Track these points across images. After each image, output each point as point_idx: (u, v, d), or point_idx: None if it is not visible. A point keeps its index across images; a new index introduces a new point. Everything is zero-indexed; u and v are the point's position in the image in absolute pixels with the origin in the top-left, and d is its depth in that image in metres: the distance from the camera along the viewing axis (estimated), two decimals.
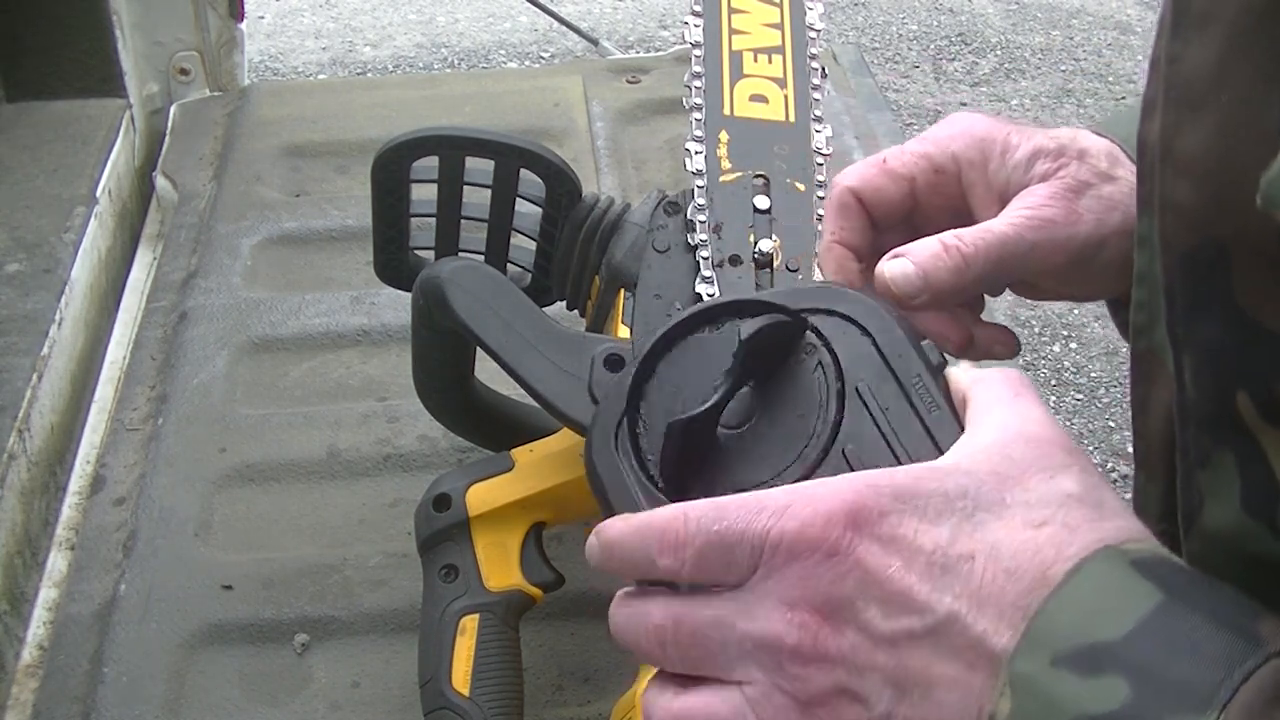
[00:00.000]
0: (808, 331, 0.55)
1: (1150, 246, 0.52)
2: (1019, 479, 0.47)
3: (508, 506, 0.84)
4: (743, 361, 0.53)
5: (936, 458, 0.49)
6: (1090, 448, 2.40)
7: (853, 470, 0.51)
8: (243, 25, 1.59)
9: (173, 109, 1.54)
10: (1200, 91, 0.46)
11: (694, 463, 0.54)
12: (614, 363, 0.79)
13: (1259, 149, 0.41)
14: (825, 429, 0.53)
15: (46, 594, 1.03)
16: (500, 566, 0.83)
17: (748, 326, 0.54)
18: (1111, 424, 2.43)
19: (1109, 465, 2.34)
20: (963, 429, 0.50)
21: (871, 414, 0.52)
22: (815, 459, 0.52)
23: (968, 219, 0.67)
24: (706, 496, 0.52)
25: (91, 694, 0.91)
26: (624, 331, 0.84)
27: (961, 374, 0.53)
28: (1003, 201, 0.65)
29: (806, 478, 0.52)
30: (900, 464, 0.51)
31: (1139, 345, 0.54)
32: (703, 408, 0.53)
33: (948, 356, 0.55)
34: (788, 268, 0.81)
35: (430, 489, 0.85)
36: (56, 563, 1.06)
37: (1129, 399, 0.58)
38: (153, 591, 0.97)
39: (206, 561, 1.00)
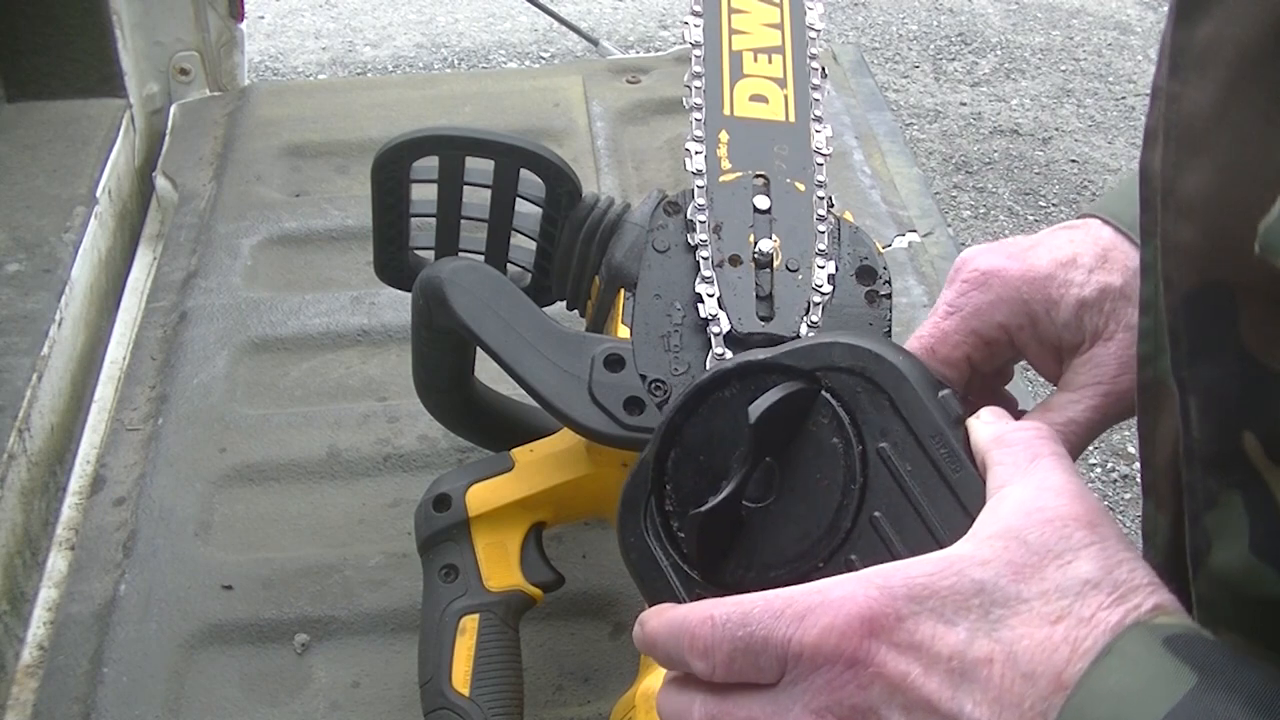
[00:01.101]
0: (822, 392, 0.54)
1: (1154, 275, 0.51)
2: (1036, 568, 0.46)
3: (508, 506, 0.84)
4: (756, 441, 0.53)
5: (964, 522, 0.49)
6: (1091, 447, 2.40)
7: (883, 540, 0.51)
8: (243, 25, 1.59)
9: (173, 109, 1.54)
10: (1200, 132, 0.46)
11: (724, 543, 0.54)
12: (614, 363, 0.79)
13: (1260, 193, 0.41)
14: (851, 497, 0.53)
15: (46, 594, 1.03)
16: (500, 566, 0.83)
17: (757, 407, 0.53)
18: None
19: (1109, 465, 2.34)
20: (985, 485, 0.50)
21: (895, 477, 0.52)
22: (845, 529, 0.52)
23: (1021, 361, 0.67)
24: (741, 574, 0.53)
25: (91, 694, 0.91)
26: (624, 331, 0.84)
27: (982, 429, 0.52)
28: (1057, 353, 0.65)
29: (838, 550, 0.52)
30: (929, 530, 0.51)
31: (1145, 374, 0.54)
32: (719, 498, 0.53)
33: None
34: (788, 267, 0.81)
35: (430, 489, 0.85)
36: (56, 563, 1.06)
37: (1136, 426, 0.57)
38: (153, 591, 0.97)
39: (206, 561, 1.00)
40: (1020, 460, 0.50)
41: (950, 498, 0.51)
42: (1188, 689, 0.42)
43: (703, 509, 0.53)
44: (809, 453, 0.54)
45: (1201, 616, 0.48)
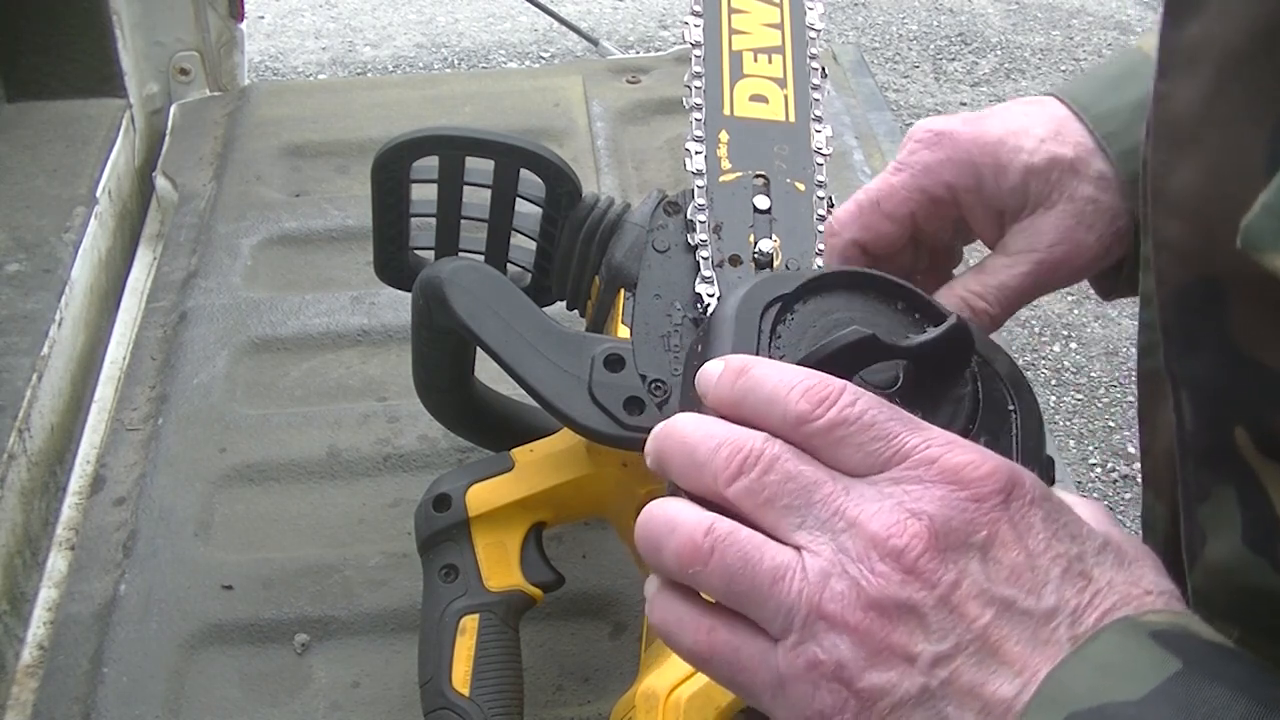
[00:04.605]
0: (969, 370, 0.55)
1: (1151, 270, 0.52)
2: (1137, 561, 0.46)
3: (508, 506, 0.84)
4: (932, 343, 0.52)
5: None
6: (1090, 447, 2.40)
7: None
8: (243, 25, 1.59)
9: (173, 109, 1.54)
10: (1187, 131, 0.46)
11: (835, 369, 0.52)
12: (614, 363, 0.79)
13: (1246, 189, 0.41)
14: None
15: (46, 594, 1.03)
16: (500, 566, 0.83)
17: (957, 319, 0.53)
18: (1111, 424, 2.43)
19: (1109, 465, 2.34)
20: None
21: None
22: None
23: (966, 232, 0.68)
24: None
25: (91, 694, 0.91)
26: (624, 331, 0.84)
27: (1062, 493, 0.52)
28: (1000, 218, 0.66)
29: None
30: None
31: (1145, 364, 0.54)
32: (884, 338, 0.50)
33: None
34: (787, 268, 0.81)
35: (430, 489, 0.85)
36: (56, 563, 1.06)
37: (1136, 416, 0.58)
38: (153, 591, 0.97)
39: (206, 561, 1.00)
40: (1097, 511, 0.50)
41: None
42: (1173, 671, 0.42)
43: (861, 331, 0.50)
44: (933, 393, 0.53)
45: (1198, 607, 0.48)
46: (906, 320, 0.55)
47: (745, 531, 0.44)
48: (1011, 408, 0.54)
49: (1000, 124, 0.66)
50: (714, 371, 0.48)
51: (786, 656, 0.43)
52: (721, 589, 0.44)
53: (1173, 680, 0.41)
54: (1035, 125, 0.66)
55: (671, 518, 0.45)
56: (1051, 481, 0.53)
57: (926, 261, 0.72)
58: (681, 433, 0.46)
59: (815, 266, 0.81)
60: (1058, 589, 0.43)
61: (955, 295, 0.65)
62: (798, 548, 0.44)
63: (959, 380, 0.54)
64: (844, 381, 0.45)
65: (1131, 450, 2.35)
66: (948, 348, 0.53)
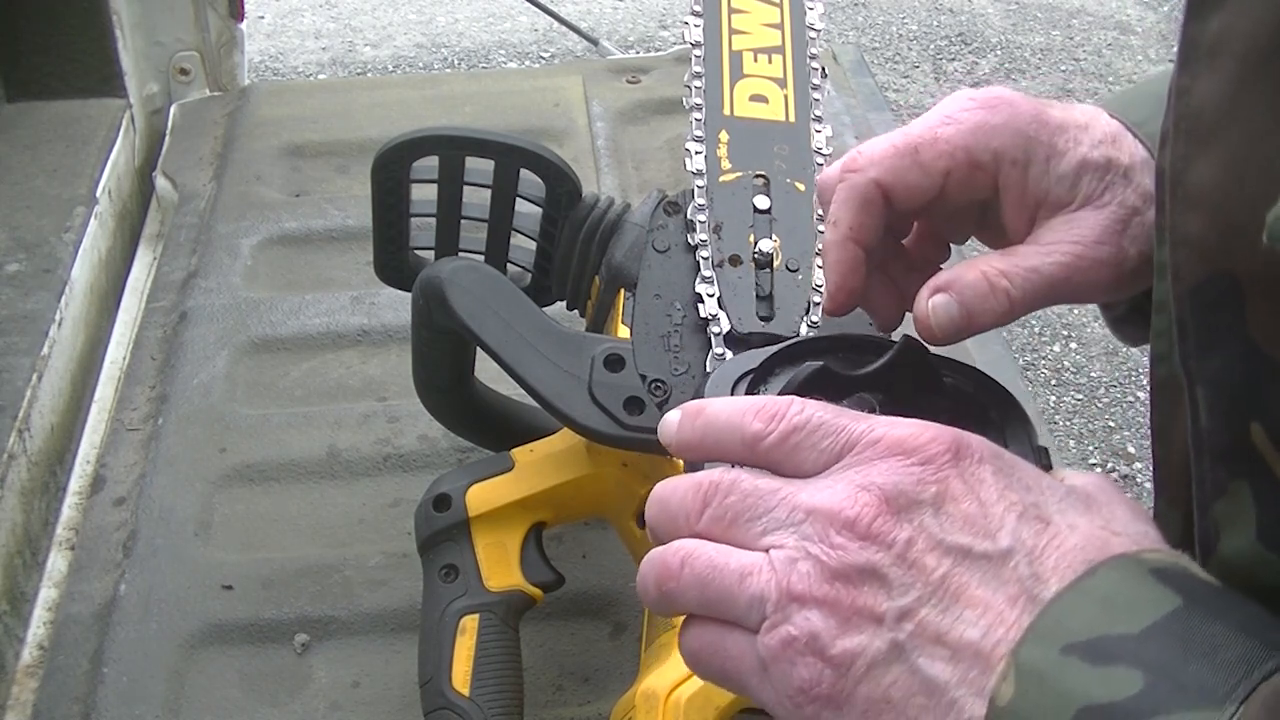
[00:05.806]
0: (944, 383, 0.56)
1: (1167, 274, 0.51)
2: (1108, 505, 0.48)
3: (508, 506, 0.84)
4: (889, 363, 0.54)
5: None
6: (1090, 448, 2.40)
7: None
8: (243, 25, 1.59)
9: (173, 109, 1.54)
10: (1209, 124, 0.46)
11: None
12: (614, 363, 0.79)
13: (1268, 183, 0.41)
14: None
15: (46, 594, 1.03)
16: (500, 566, 0.83)
17: (911, 338, 0.56)
18: (1111, 424, 2.43)
19: (1109, 465, 2.34)
20: None
21: None
22: None
23: (992, 215, 0.64)
24: None
25: (91, 694, 0.91)
26: (624, 331, 0.84)
27: (1060, 469, 0.53)
28: (1035, 209, 0.62)
29: None
30: None
31: (1159, 372, 0.54)
32: (843, 370, 0.54)
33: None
34: (788, 267, 0.81)
35: (430, 489, 0.85)
36: (56, 563, 1.06)
37: (1135, 418, 0.58)
38: (153, 591, 0.97)
39: (206, 561, 1.00)
40: (1092, 477, 0.51)
41: None
42: (1173, 607, 0.43)
43: (821, 364, 0.54)
44: (907, 413, 0.55)
45: None
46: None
47: (712, 545, 0.48)
48: (993, 416, 0.55)
49: (1062, 112, 0.63)
50: (673, 420, 0.52)
51: (764, 640, 0.46)
52: (696, 597, 0.48)
53: (1172, 616, 0.42)
54: (1096, 126, 0.63)
55: (650, 556, 0.49)
56: (1048, 469, 0.54)
57: (912, 243, 0.69)
58: (655, 497, 0.51)
59: (815, 266, 0.81)
60: (1013, 531, 0.45)
61: (975, 270, 0.60)
62: (766, 550, 0.47)
63: (934, 405, 0.55)
64: (790, 396, 0.49)
65: (1132, 450, 2.35)
66: (904, 365, 0.55)
